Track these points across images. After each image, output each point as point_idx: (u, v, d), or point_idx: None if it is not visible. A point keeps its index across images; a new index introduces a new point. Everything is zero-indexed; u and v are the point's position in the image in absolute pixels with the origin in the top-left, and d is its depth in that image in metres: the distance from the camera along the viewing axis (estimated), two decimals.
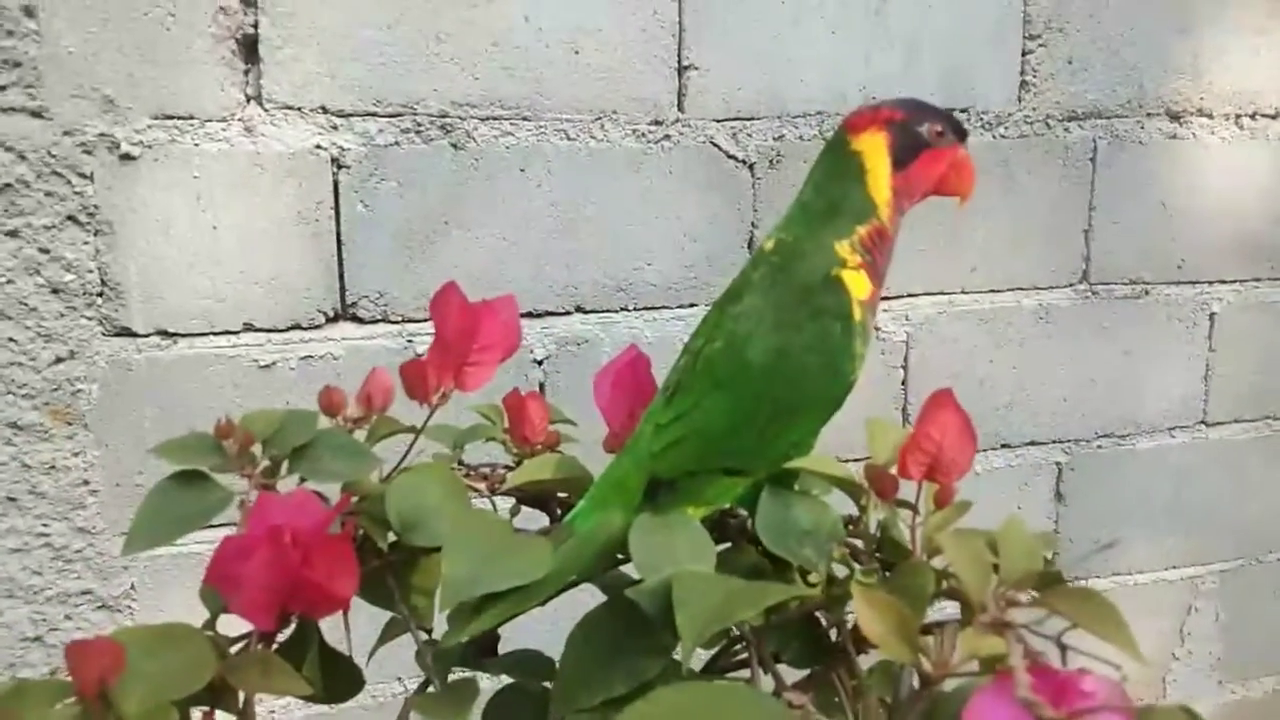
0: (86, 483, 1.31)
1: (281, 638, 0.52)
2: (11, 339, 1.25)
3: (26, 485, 1.29)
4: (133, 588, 1.36)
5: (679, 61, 1.45)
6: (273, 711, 1.45)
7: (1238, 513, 1.88)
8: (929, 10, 1.53)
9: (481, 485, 0.61)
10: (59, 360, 1.28)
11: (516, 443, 0.63)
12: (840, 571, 0.51)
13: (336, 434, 0.56)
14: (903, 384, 1.65)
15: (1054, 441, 1.74)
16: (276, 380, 1.37)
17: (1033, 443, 1.73)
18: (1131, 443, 1.79)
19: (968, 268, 1.64)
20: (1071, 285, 1.69)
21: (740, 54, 1.47)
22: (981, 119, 1.59)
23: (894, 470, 0.52)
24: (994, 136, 1.60)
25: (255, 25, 1.29)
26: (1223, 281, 1.78)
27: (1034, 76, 1.60)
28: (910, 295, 1.63)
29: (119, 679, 0.41)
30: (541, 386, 1.48)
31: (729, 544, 0.60)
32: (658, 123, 1.46)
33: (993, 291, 1.66)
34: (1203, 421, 1.82)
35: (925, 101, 0.67)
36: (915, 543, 0.48)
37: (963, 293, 1.65)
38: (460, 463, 0.64)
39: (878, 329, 1.61)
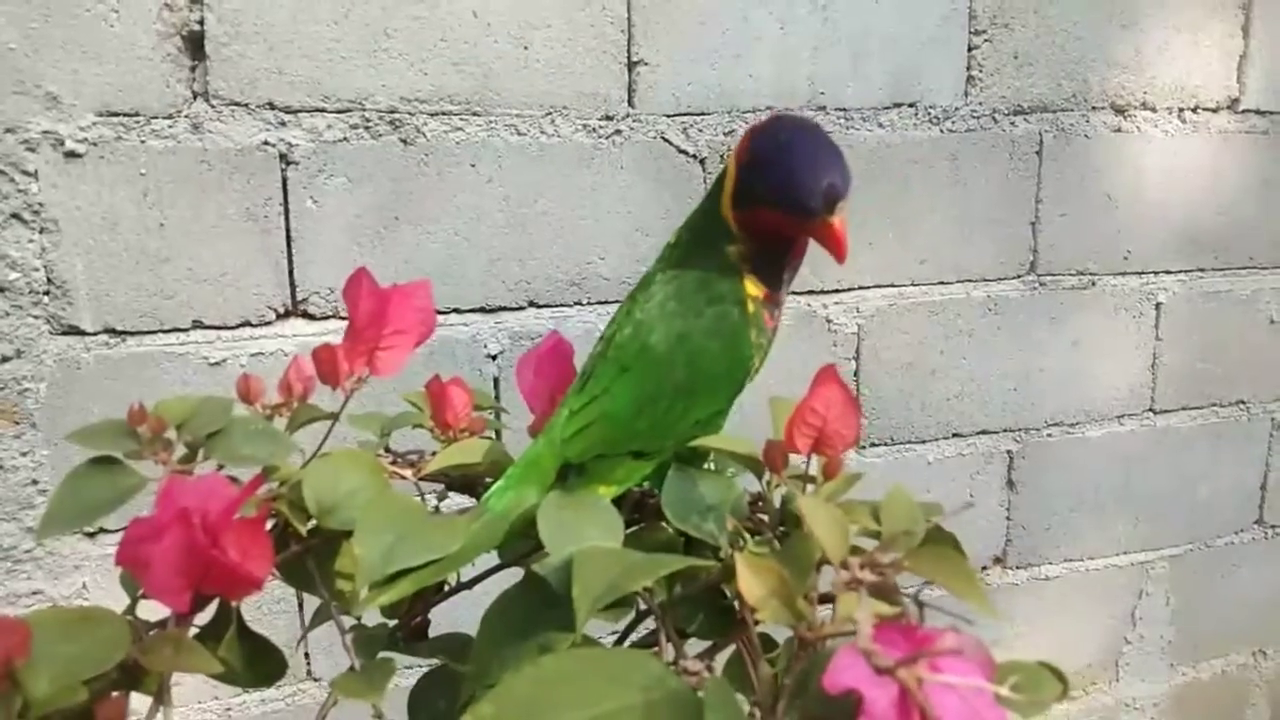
0: (35, 482, 1.31)
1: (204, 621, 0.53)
2: None
3: None
4: (84, 587, 1.36)
5: (629, 57, 1.46)
6: (229, 709, 1.45)
7: (1186, 498, 1.92)
8: (875, 6, 1.55)
9: (408, 472, 0.62)
10: (5, 359, 1.27)
11: (440, 429, 0.64)
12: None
13: (252, 419, 0.56)
14: (855, 375, 1.67)
15: (1005, 430, 1.77)
16: (227, 378, 1.37)
17: (984, 432, 1.76)
18: (1081, 431, 1.82)
19: (917, 260, 1.66)
20: (1019, 277, 1.72)
21: (690, 49, 1.49)
22: (929, 113, 1.62)
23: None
24: (941, 131, 1.63)
25: (201, 22, 1.29)
26: (1168, 272, 1.82)
27: (980, 71, 1.63)
28: (861, 288, 1.65)
29: (28, 660, 0.41)
30: (496, 381, 1.48)
31: (644, 524, 0.61)
32: (608, 118, 1.47)
33: (942, 283, 1.68)
34: (1150, 409, 1.86)
35: (799, 148, 0.59)
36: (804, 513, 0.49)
37: (912, 285, 1.67)
38: (387, 449, 0.64)
39: (829, 321, 1.63)
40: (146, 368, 1.33)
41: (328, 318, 1.40)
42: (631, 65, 1.47)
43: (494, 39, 1.40)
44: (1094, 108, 1.70)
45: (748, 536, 0.53)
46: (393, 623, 0.63)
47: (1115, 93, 1.71)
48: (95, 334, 1.31)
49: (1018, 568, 1.83)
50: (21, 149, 1.24)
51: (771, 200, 0.60)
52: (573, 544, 0.49)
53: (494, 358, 1.47)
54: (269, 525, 0.53)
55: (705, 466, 0.61)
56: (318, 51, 1.34)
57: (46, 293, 1.28)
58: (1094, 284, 1.77)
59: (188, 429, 0.54)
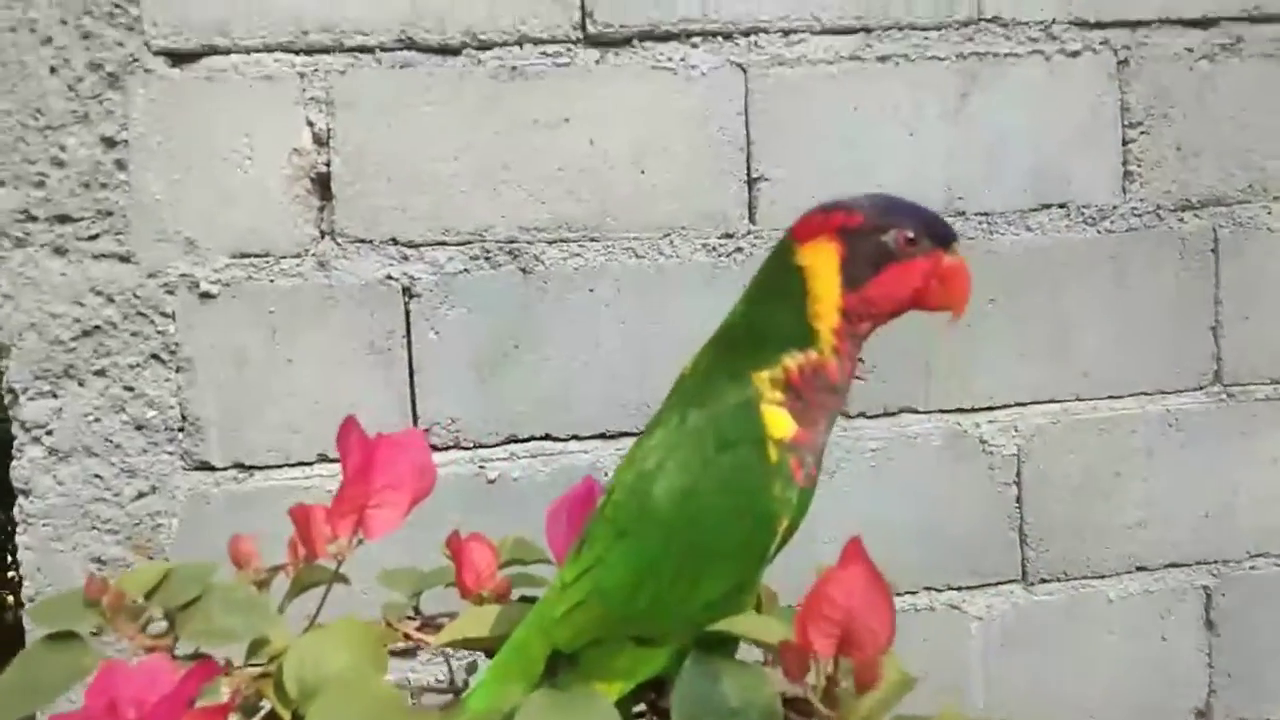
0: None
1: None
2: (97, 475, 1.30)
3: None
4: None
5: (748, 174, 1.42)
6: None
7: None
8: (1013, 104, 1.45)
9: (432, 639, 0.56)
10: (141, 495, 1.31)
11: (461, 591, 0.58)
12: None
13: (234, 587, 0.52)
14: (1017, 502, 1.51)
15: (1198, 563, 1.55)
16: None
17: (1173, 565, 1.55)
18: None
19: (1079, 372, 1.51)
20: (1202, 388, 1.53)
21: (813, 162, 1.43)
22: (1083, 214, 1.49)
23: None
24: (1098, 231, 1.49)
25: (328, 164, 1.33)
26: None
27: (1138, 166, 1.49)
28: (1017, 404, 1.50)
29: None
30: None
31: None
32: (728, 236, 1.42)
33: (1111, 398, 1.52)
34: None
35: (897, 200, 0.58)
36: None
37: (1077, 400, 1.51)
38: (416, 611, 0.59)
39: (983, 441, 1.49)
40: (273, 502, 1.34)
41: (449, 448, 1.39)
42: (752, 182, 1.42)
43: (610, 165, 1.39)
44: (1276, 198, 1.52)
45: None
46: None
47: None
48: (225, 469, 1.34)
49: None
50: (161, 292, 1.30)
51: (914, 239, 0.56)
52: None
53: None
54: (263, 709, 0.48)
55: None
56: (439, 186, 1.36)
57: (181, 429, 1.32)
58: None
59: (159, 599, 0.50)
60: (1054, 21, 1.45)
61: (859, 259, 0.57)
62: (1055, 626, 1.52)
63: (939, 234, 0.58)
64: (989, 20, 1.44)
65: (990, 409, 1.50)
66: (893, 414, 1.45)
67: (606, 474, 1.41)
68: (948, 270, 0.57)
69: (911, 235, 0.57)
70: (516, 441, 1.40)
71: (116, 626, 0.49)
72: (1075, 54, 1.47)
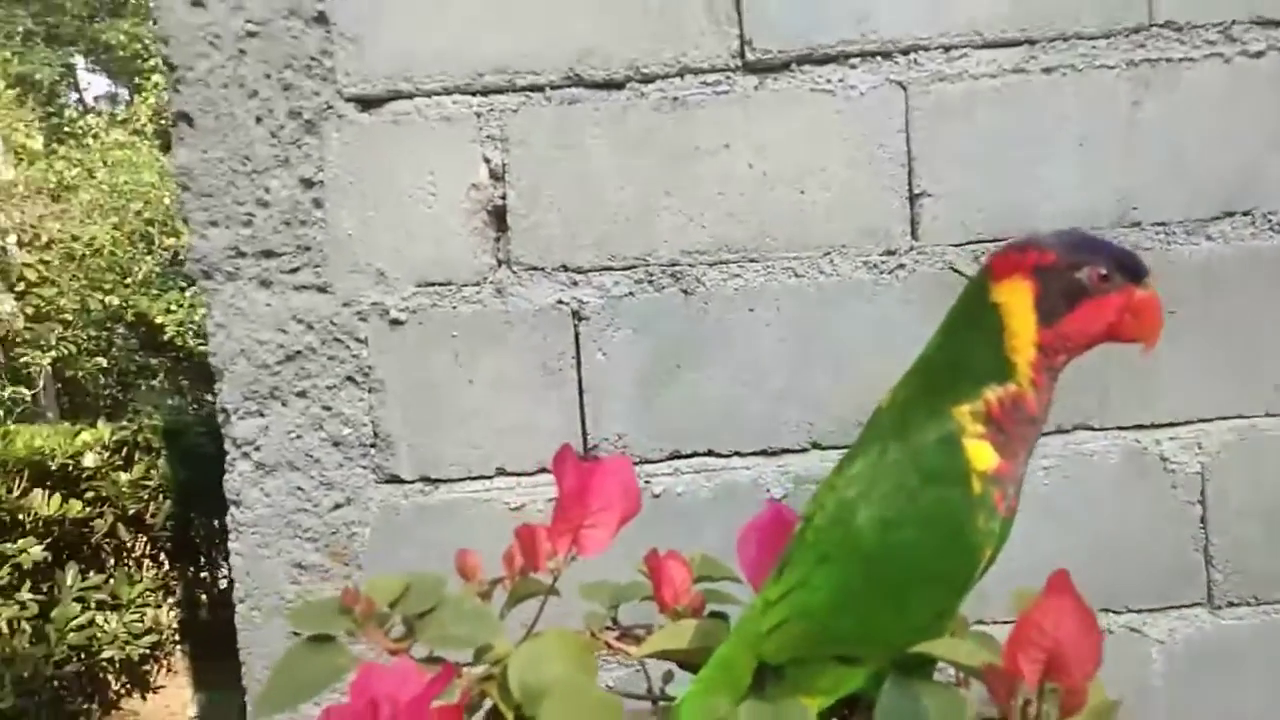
0: None
1: None
2: (299, 488, 1.41)
3: None
4: None
5: (910, 190, 1.42)
6: None
7: None
8: (1189, 110, 1.40)
9: (633, 649, 0.60)
10: (337, 506, 1.42)
11: (659, 606, 0.62)
12: None
13: (464, 598, 0.57)
14: (1201, 523, 1.45)
15: None
16: (526, 521, 1.44)
17: None
18: None
19: (1270, 386, 1.43)
20: None
21: (977, 176, 1.42)
22: (1269, 220, 1.42)
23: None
24: None
25: (503, 197, 1.41)
26: None
27: None
28: (1201, 420, 1.44)
29: None
30: None
31: None
32: (890, 252, 1.42)
33: None
34: None
35: (1091, 237, 0.58)
36: None
37: (1266, 415, 1.44)
38: (614, 622, 0.63)
39: (1165, 459, 1.44)
40: (455, 513, 1.43)
41: None
42: (914, 198, 1.42)
43: (770, 187, 1.42)
44: None
45: None
46: None
47: None
48: (412, 482, 1.43)
49: None
50: (355, 320, 1.41)
51: (1107, 276, 0.58)
52: None
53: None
54: (485, 707, 0.53)
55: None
56: (605, 215, 1.42)
57: (373, 445, 1.42)
58: None
59: (401, 607, 0.56)
60: (1233, 22, 1.39)
61: (1053, 296, 0.58)
62: (1244, 653, 1.45)
63: (1131, 269, 0.59)
64: (1161, 25, 1.40)
65: (1172, 425, 1.44)
66: (1066, 431, 1.42)
67: (769, 490, 1.43)
68: (1140, 304, 0.59)
69: (1104, 272, 0.58)
70: (680, 458, 1.44)
71: (367, 632, 0.55)
72: (1259, 54, 1.40)
